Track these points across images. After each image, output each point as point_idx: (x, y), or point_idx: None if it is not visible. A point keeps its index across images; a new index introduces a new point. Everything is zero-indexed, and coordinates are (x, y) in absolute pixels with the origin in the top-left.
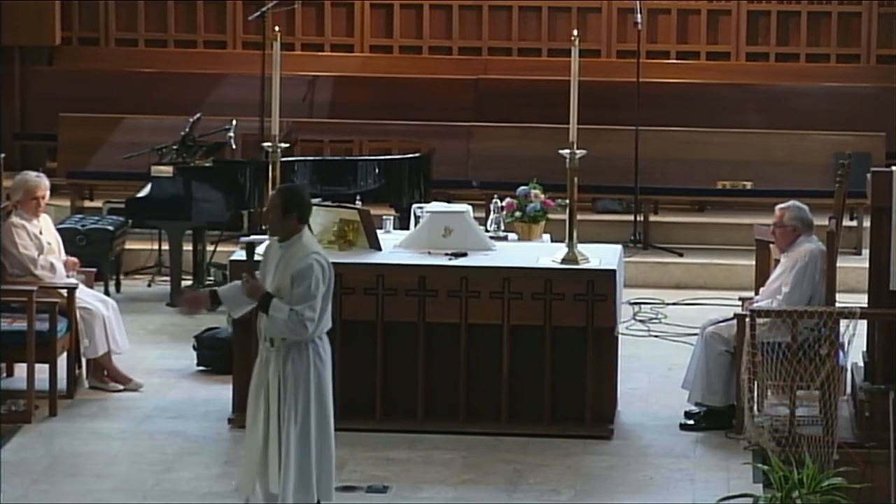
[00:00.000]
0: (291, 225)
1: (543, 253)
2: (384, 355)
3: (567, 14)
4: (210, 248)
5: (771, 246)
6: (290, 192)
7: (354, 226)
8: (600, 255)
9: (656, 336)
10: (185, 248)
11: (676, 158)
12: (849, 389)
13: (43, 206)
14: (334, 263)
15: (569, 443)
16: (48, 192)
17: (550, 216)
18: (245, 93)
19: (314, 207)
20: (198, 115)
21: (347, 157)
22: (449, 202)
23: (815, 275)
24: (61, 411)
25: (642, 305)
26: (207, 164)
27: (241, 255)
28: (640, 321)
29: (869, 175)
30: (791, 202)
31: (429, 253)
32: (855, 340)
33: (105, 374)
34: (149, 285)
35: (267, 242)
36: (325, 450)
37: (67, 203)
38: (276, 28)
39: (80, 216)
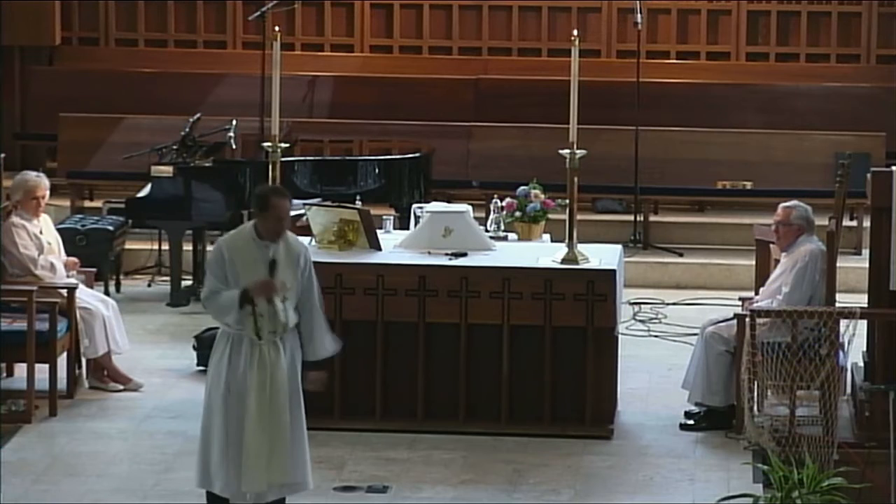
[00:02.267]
0: None
1: (543, 253)
2: (384, 355)
3: (567, 14)
4: (210, 248)
5: (771, 246)
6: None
7: (354, 226)
8: (600, 255)
9: (656, 336)
10: (185, 248)
11: (676, 158)
12: (849, 389)
13: (43, 205)
14: (334, 263)
15: (569, 443)
16: (48, 192)
17: (550, 216)
18: (245, 93)
19: (315, 208)
20: (198, 115)
21: (347, 157)
22: (449, 202)
23: (815, 275)
24: (61, 411)
25: (642, 305)
26: (207, 164)
27: None
28: (640, 321)
29: (869, 175)
30: (795, 202)
31: (429, 253)
32: (855, 340)
33: (105, 374)
34: (149, 285)
35: (234, 243)
36: None
37: (67, 203)
38: (276, 28)
39: (80, 216)
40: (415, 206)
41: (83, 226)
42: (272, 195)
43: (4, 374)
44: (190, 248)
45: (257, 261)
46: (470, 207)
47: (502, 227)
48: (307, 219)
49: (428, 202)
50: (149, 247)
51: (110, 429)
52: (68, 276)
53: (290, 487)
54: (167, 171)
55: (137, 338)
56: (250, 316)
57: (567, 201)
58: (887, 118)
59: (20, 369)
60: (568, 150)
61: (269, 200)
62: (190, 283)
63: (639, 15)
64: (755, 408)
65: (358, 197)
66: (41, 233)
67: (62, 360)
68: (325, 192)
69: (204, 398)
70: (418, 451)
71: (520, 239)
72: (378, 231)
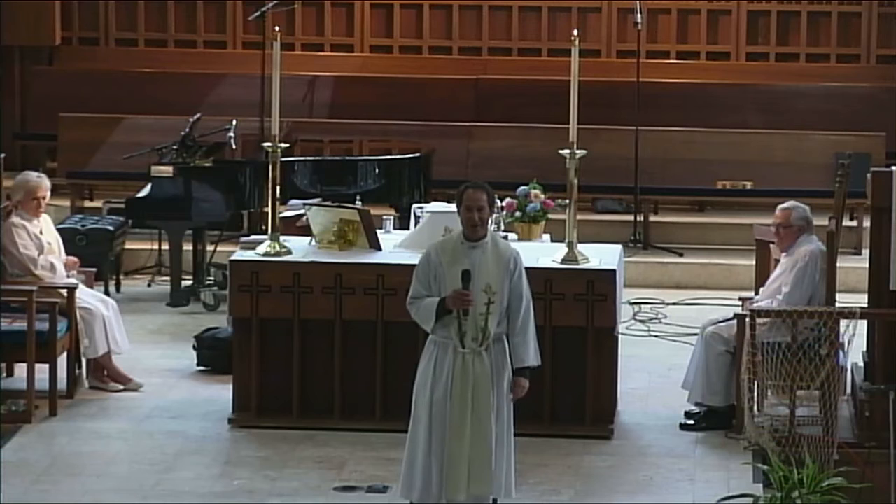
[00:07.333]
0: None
1: (543, 253)
2: (384, 355)
3: (567, 14)
4: (210, 248)
5: (771, 246)
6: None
7: (354, 226)
8: (600, 255)
9: (656, 336)
10: (185, 248)
11: (676, 158)
12: (849, 389)
13: (43, 206)
14: (334, 263)
15: (569, 443)
16: (49, 192)
17: (550, 216)
18: (245, 93)
19: (315, 208)
20: (198, 115)
21: (347, 157)
22: (449, 202)
23: (815, 275)
24: (61, 411)
25: (642, 305)
26: (207, 164)
27: (241, 255)
28: (640, 321)
29: (869, 175)
30: (792, 202)
31: None
32: (855, 340)
33: (105, 374)
34: (149, 285)
35: (444, 245)
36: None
37: (67, 203)
38: (276, 28)
39: (80, 216)
40: (415, 206)
41: (83, 226)
42: (467, 187)
43: (4, 374)
44: (190, 248)
45: (462, 263)
46: None
47: (502, 227)
48: (307, 219)
49: (428, 202)
50: (149, 247)
51: (110, 429)
52: (68, 276)
53: (486, 499)
54: (167, 171)
55: (137, 338)
56: (454, 321)
57: (567, 201)
58: (887, 118)
59: (20, 369)
60: (568, 150)
61: (464, 192)
62: (190, 283)
63: (639, 15)
64: (755, 408)
65: (358, 197)
66: (41, 233)
67: (62, 360)
68: (325, 192)
69: (412, 406)
70: None
71: (520, 239)
72: (378, 231)
